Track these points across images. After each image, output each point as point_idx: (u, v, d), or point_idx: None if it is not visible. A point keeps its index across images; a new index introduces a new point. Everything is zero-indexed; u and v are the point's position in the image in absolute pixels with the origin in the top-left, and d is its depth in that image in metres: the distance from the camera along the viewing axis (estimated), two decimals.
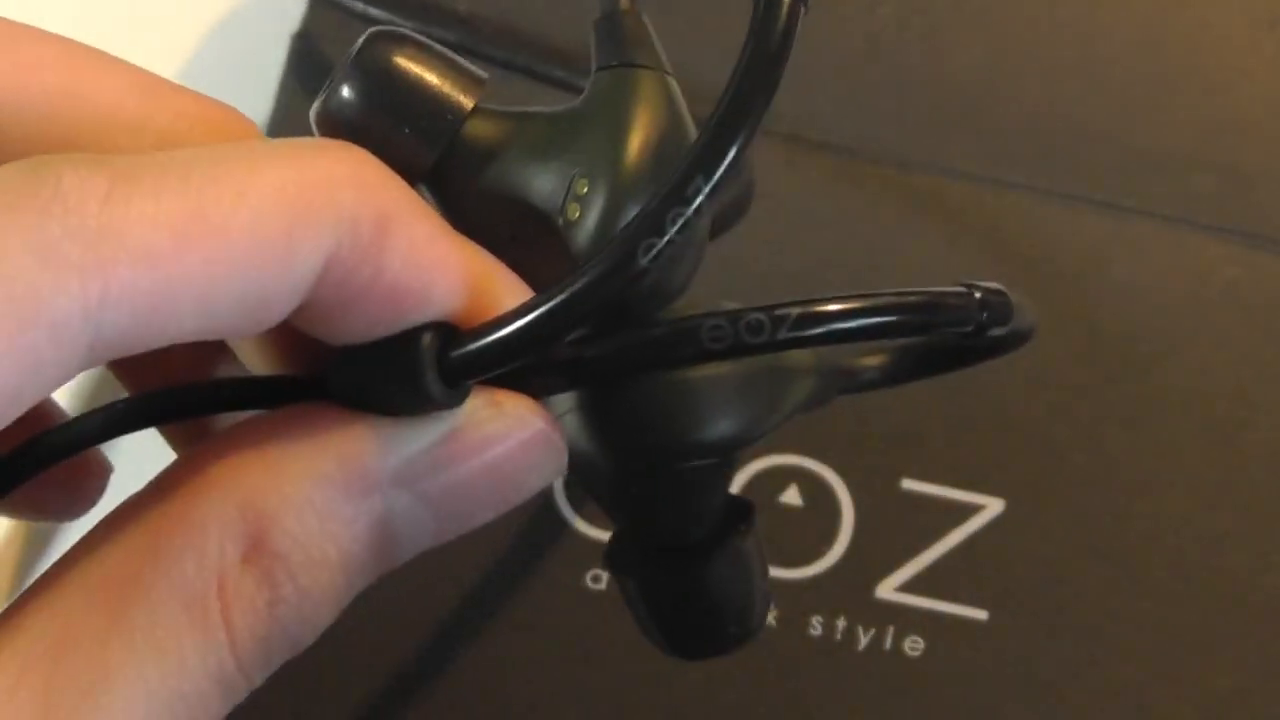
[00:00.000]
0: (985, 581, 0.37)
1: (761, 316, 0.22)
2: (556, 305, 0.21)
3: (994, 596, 0.37)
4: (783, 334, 0.22)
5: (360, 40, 0.24)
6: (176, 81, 0.24)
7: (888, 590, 0.37)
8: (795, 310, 0.23)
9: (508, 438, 0.23)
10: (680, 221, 0.21)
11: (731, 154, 0.21)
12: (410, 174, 0.24)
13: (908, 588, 0.37)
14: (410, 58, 0.24)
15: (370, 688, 0.36)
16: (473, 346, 0.22)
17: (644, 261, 0.21)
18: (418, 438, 0.22)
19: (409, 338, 0.22)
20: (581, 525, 0.37)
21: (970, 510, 0.37)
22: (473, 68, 0.25)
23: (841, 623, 0.37)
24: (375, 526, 0.22)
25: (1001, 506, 0.37)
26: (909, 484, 0.37)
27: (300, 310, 0.21)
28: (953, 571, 0.37)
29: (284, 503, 0.21)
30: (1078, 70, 0.41)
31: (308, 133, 0.24)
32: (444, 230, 0.22)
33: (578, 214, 0.23)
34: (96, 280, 0.18)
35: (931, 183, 0.39)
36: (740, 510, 0.26)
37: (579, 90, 0.26)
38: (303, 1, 0.41)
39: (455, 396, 0.22)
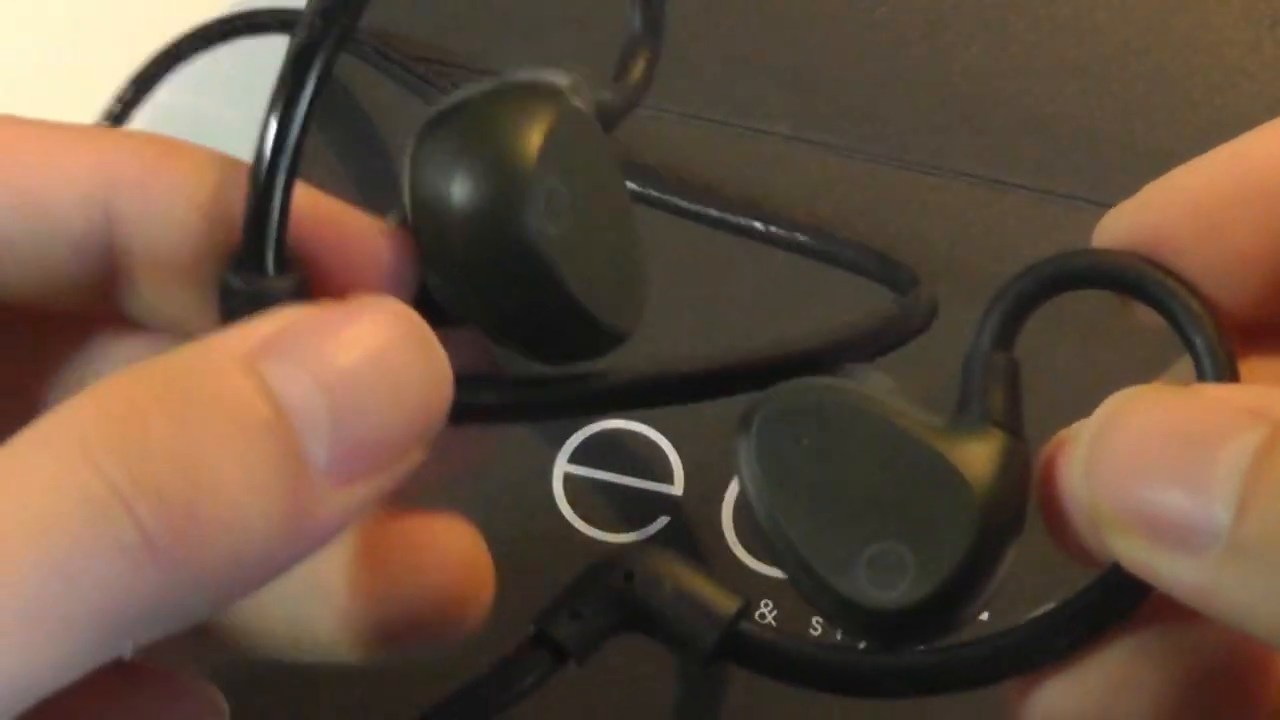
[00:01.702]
0: None
1: None
2: None
3: (996, 601, 0.36)
4: None
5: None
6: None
7: None
8: None
9: (365, 311, 0.23)
10: None
11: None
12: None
13: None
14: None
15: (367, 691, 0.36)
16: None
17: None
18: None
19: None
20: (581, 526, 0.37)
21: None
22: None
23: None
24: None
25: None
26: None
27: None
28: None
29: None
30: (1078, 70, 0.41)
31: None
32: None
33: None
34: None
35: (932, 182, 0.39)
36: None
37: None
38: None
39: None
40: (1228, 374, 0.24)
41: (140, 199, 0.25)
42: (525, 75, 0.26)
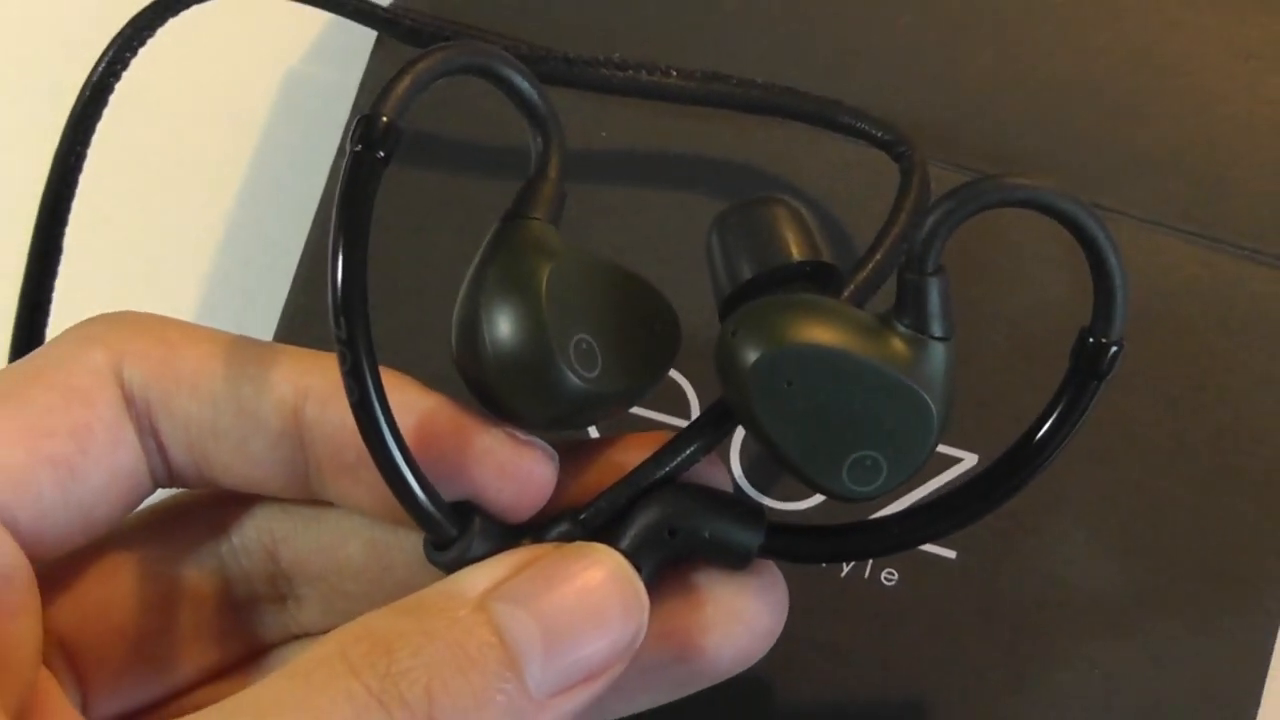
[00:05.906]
0: None
1: None
2: None
3: (963, 539, 0.38)
4: None
5: None
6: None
7: None
8: None
9: (578, 558, 0.27)
10: None
11: None
12: None
13: None
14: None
15: None
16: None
17: None
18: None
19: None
20: None
21: (947, 462, 0.39)
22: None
23: None
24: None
25: (975, 460, 0.39)
26: None
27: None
28: None
29: None
30: (1075, 82, 0.42)
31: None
32: None
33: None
34: None
35: (939, 173, 0.39)
36: None
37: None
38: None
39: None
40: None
41: (326, 409, 0.28)
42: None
